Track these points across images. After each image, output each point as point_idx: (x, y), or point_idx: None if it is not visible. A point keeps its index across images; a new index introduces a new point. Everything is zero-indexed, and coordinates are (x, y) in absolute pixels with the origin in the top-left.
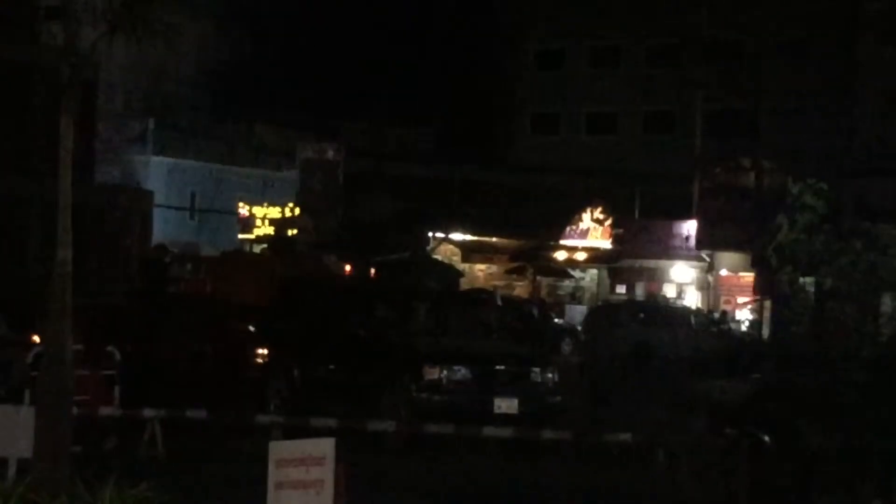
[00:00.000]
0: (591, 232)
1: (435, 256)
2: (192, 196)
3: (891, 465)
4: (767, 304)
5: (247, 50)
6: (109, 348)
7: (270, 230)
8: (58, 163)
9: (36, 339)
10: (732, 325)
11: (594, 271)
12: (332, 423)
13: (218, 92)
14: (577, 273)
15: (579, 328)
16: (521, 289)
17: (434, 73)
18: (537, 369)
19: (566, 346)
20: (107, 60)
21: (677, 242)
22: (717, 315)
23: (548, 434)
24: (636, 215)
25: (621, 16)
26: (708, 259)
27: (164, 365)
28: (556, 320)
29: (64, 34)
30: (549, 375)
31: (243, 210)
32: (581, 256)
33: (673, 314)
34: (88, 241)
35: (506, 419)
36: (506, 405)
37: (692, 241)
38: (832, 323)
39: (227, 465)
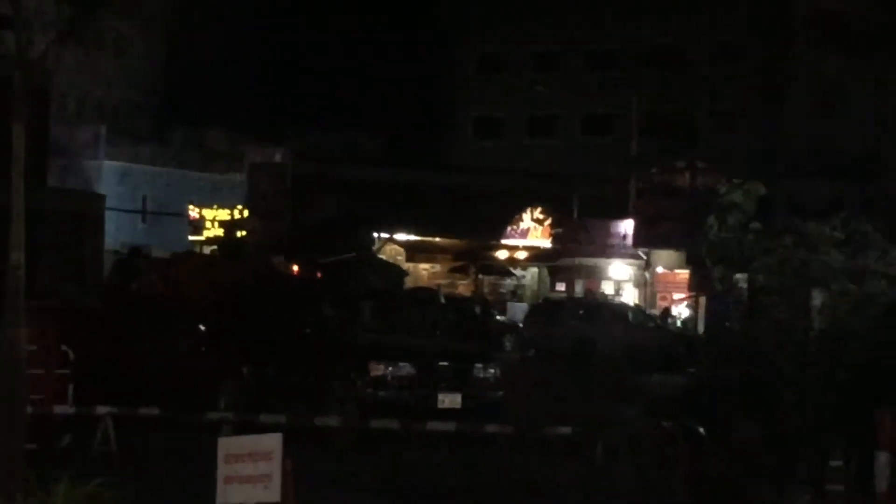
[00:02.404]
0: (532, 231)
1: (380, 256)
2: (144, 199)
3: (820, 457)
4: (702, 300)
5: (196, 57)
6: (63, 348)
7: (220, 232)
8: (10, 168)
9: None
10: (669, 321)
11: (534, 270)
12: (280, 419)
13: (168, 98)
14: (518, 271)
15: (521, 325)
16: (463, 287)
17: (378, 78)
18: (480, 365)
19: (508, 343)
20: (59, 68)
21: (615, 241)
22: (658, 312)
23: (490, 428)
24: (575, 215)
25: (560, 22)
26: (644, 257)
27: (119, 364)
28: (497, 317)
29: (15, 42)
30: (492, 371)
31: (193, 213)
32: (522, 255)
33: (611, 311)
34: (41, 244)
35: (449, 413)
36: (449, 400)
37: (629, 240)
38: (764, 318)
39: (178, 460)
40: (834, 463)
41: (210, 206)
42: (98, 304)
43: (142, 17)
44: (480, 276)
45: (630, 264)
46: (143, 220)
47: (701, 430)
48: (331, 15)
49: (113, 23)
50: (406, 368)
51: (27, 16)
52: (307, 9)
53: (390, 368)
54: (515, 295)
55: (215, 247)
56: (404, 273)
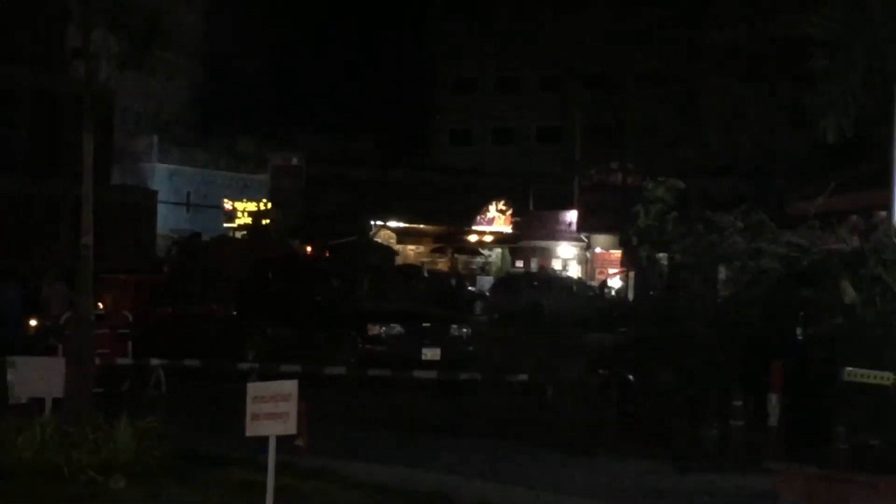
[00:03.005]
0: (496, 220)
1: (375, 240)
2: (188, 194)
3: (724, 398)
4: (631, 274)
5: (228, 78)
6: (124, 312)
7: (248, 220)
8: (82, 169)
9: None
10: (606, 291)
11: (499, 250)
12: (297, 368)
13: (206, 112)
14: (485, 252)
15: (487, 294)
16: (442, 264)
17: (376, 97)
18: (455, 326)
19: (477, 308)
20: (120, 89)
21: (562, 227)
22: (596, 284)
23: (464, 375)
24: (531, 207)
25: (518, 52)
26: (586, 240)
27: (169, 324)
28: (469, 288)
29: (85, 69)
30: (465, 330)
31: (227, 205)
32: (488, 239)
33: (559, 283)
34: (108, 229)
35: (431, 364)
36: (431, 353)
37: (574, 227)
38: (681, 289)
39: (214, 401)
40: (736, 403)
41: (240, 200)
42: (152, 276)
43: (184, 48)
44: (456, 255)
45: (574, 246)
46: (188, 211)
47: (630, 377)
48: (339, 47)
49: (162, 53)
50: (397, 328)
51: (95, 48)
52: (323, 42)
53: (384, 328)
54: (484, 270)
55: (245, 232)
56: (395, 253)
